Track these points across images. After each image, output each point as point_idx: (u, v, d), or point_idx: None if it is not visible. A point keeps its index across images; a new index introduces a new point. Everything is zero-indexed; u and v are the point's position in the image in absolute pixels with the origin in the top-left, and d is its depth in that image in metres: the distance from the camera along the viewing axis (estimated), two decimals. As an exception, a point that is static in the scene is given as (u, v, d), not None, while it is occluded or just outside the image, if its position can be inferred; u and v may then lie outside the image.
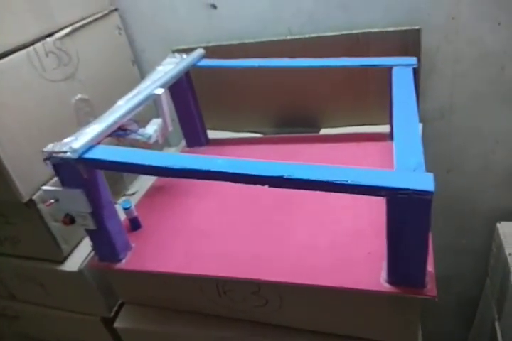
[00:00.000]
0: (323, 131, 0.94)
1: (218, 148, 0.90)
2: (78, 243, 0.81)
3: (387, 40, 0.81)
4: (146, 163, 0.53)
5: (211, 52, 0.85)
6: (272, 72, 0.87)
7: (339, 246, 0.61)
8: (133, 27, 0.98)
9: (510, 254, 0.91)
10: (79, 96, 0.81)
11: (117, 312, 0.77)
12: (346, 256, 0.60)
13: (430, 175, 0.47)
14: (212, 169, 0.50)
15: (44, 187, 0.61)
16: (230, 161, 0.52)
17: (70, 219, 0.62)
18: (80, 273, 0.76)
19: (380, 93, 0.87)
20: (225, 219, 0.71)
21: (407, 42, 0.80)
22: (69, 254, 0.79)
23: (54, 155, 0.56)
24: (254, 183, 0.49)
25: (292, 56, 0.79)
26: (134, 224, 0.71)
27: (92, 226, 0.62)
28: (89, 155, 0.56)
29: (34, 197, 0.71)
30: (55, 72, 0.76)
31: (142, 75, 1.00)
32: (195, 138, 0.91)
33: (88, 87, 0.84)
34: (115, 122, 0.62)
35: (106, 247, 0.65)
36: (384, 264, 0.55)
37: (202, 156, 0.54)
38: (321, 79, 0.89)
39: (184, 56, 0.85)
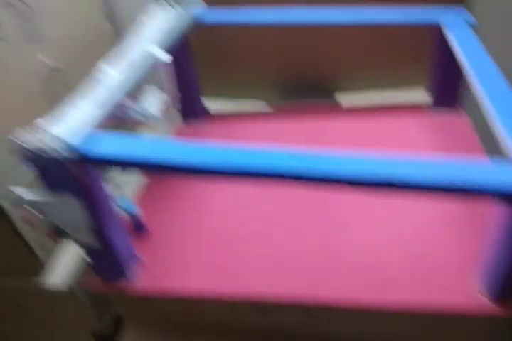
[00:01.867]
0: (340, 97, 0.80)
1: (223, 126, 0.74)
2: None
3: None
4: (200, 162, 0.38)
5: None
6: (277, 29, 0.71)
7: (410, 252, 0.50)
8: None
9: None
10: (48, 63, 0.62)
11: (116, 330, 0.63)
12: (423, 264, 0.48)
13: None
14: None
15: (19, 193, 0.44)
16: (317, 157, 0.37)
17: (58, 233, 0.46)
18: (69, 288, 0.61)
19: (411, 50, 0.74)
20: (251, 218, 0.57)
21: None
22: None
23: (34, 150, 0.39)
24: (339, 190, 0.36)
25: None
26: (138, 229, 0.56)
27: (90, 241, 0.46)
28: (93, 150, 0.40)
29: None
30: (15, 32, 0.57)
31: (117, 34, 0.81)
32: (191, 112, 0.75)
33: (58, 51, 0.64)
34: (114, 98, 0.46)
35: (108, 264, 0.50)
36: (477, 274, 0.44)
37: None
38: (336, 31, 0.73)
39: (173, 6, 0.67)
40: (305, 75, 0.79)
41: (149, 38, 0.58)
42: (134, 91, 0.51)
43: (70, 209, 0.43)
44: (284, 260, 0.51)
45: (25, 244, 0.59)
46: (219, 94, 0.82)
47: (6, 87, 0.56)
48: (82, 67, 0.68)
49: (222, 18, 0.66)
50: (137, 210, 0.55)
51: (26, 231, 0.58)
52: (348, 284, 0.47)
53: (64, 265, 0.63)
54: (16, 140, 0.40)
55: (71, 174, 0.41)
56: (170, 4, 0.67)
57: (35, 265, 0.61)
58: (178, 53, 0.66)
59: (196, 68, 0.71)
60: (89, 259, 0.50)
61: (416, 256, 0.49)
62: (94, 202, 0.43)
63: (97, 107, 0.44)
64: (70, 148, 0.39)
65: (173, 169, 0.40)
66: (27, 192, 0.44)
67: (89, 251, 0.48)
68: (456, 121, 0.67)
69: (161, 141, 0.41)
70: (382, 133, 0.66)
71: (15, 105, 0.57)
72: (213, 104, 0.79)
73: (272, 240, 0.54)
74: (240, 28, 0.73)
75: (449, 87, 0.65)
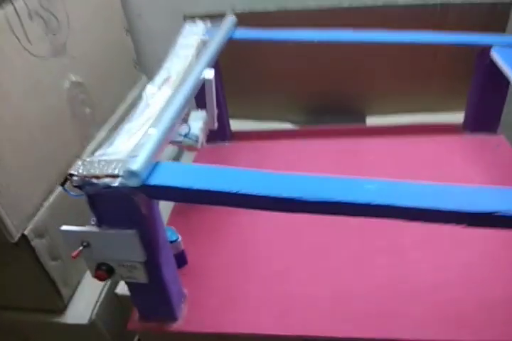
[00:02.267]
0: (371, 120, 0.78)
1: (249, 145, 0.71)
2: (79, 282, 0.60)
3: (468, 14, 0.66)
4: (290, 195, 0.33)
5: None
6: (307, 46, 0.69)
7: (473, 282, 0.47)
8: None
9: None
10: (72, 78, 0.58)
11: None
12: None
13: None
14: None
15: (67, 228, 0.40)
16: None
17: (107, 271, 0.41)
18: (92, 325, 0.56)
19: (447, 75, 0.73)
20: (301, 249, 0.54)
21: (491, 18, 0.66)
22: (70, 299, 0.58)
23: (93, 181, 0.35)
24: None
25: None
26: (180, 261, 0.51)
27: (143, 279, 0.42)
28: (157, 180, 0.36)
29: (26, 232, 0.49)
30: (43, 45, 0.52)
31: (136, 48, 0.77)
32: (218, 132, 0.71)
33: (81, 65, 0.60)
34: (173, 122, 0.42)
35: (157, 303, 0.45)
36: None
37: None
38: (370, 55, 0.72)
39: (202, 25, 0.64)
40: (335, 97, 0.77)
41: (191, 57, 0.55)
42: (184, 114, 0.48)
43: (126, 243, 0.39)
44: (338, 294, 0.48)
45: (48, 278, 0.53)
46: (244, 115, 0.79)
47: (34, 106, 0.51)
48: (100, 84, 0.64)
49: (252, 35, 0.63)
50: (180, 239, 0.51)
51: (50, 265, 0.53)
52: (416, 324, 0.44)
53: (87, 301, 0.58)
54: (73, 172, 0.35)
55: (133, 204, 0.36)
56: (204, 22, 0.64)
57: (57, 300, 0.55)
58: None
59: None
60: (135, 298, 0.45)
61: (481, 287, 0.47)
62: (152, 234, 0.39)
63: (155, 134, 0.40)
64: (135, 176, 0.35)
65: (246, 200, 0.36)
66: (76, 228, 0.39)
67: (137, 288, 0.44)
68: (496, 144, 0.66)
69: (225, 170, 0.37)
70: (418, 157, 0.64)
71: (43, 126, 0.52)
72: (238, 126, 0.75)
73: (323, 273, 0.50)
74: (268, 48, 0.71)
75: (490, 111, 0.64)
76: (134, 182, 0.34)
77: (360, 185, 0.32)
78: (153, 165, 0.36)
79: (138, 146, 0.38)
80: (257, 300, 0.48)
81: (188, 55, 0.57)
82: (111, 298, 0.58)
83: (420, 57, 0.70)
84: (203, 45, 0.60)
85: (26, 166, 0.50)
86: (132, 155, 0.37)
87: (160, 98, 0.47)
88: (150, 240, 0.39)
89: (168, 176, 0.35)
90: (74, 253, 0.39)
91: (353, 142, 0.69)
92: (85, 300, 0.57)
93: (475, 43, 0.60)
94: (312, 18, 0.68)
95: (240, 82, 0.73)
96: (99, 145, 0.42)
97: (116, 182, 0.35)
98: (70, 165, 0.37)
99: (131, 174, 0.34)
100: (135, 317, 0.47)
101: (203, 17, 0.66)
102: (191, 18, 0.68)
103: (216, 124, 0.55)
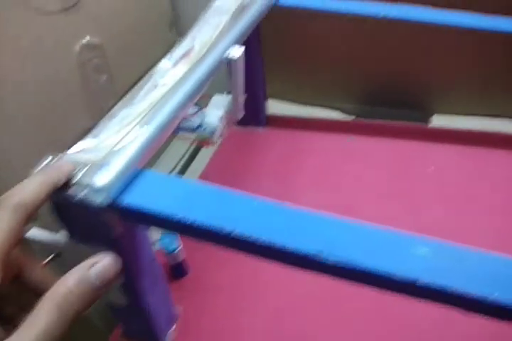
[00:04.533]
0: (437, 120, 0.65)
1: (286, 135, 0.61)
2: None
3: None
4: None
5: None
6: (369, 22, 0.56)
7: None
8: None
9: None
10: (87, 38, 0.49)
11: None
12: None
13: None
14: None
15: (35, 233, 0.32)
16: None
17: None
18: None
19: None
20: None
21: None
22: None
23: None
24: None
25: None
26: (178, 272, 0.44)
27: (120, 301, 0.34)
28: (130, 198, 0.27)
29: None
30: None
31: (174, 8, 0.67)
32: (252, 115, 0.61)
33: (99, 24, 0.51)
34: (176, 113, 0.33)
35: (140, 326, 0.38)
36: None
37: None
38: (446, 40, 0.59)
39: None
40: (395, 87, 0.65)
41: (223, 25, 0.45)
42: (198, 99, 0.38)
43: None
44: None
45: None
46: (284, 97, 0.68)
47: (39, 61, 0.43)
48: (121, 47, 0.55)
49: (303, 2, 0.52)
50: (180, 248, 0.43)
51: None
52: None
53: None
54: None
55: (104, 223, 0.28)
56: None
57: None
58: (249, 45, 0.52)
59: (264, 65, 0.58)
60: (115, 315, 0.38)
61: None
62: (131, 257, 0.31)
63: (145, 131, 0.31)
64: (100, 192, 0.26)
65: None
66: (47, 233, 0.32)
67: (119, 311, 0.37)
68: None
69: (227, 196, 0.27)
70: (490, 175, 0.52)
71: (47, 79, 0.45)
72: (276, 109, 0.65)
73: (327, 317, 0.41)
74: (321, 19, 0.59)
75: None
76: (99, 199, 0.26)
77: (409, 245, 0.23)
78: (133, 175, 0.28)
79: (121, 146, 0.30)
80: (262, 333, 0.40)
81: (221, 22, 0.47)
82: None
83: (500, 47, 0.56)
84: (242, 10, 0.49)
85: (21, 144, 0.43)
86: (108, 159, 0.28)
87: (171, 78, 0.38)
88: (129, 263, 0.31)
89: (147, 195, 0.27)
90: (43, 263, 0.32)
91: (412, 146, 0.58)
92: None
93: None
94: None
95: (284, 57, 0.62)
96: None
97: (81, 194, 0.27)
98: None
99: (96, 189, 0.26)
100: (118, 332, 0.41)
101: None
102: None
103: (242, 113, 0.45)
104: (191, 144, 0.62)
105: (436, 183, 0.52)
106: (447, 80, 0.64)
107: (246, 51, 0.42)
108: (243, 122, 0.61)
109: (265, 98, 0.61)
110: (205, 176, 0.55)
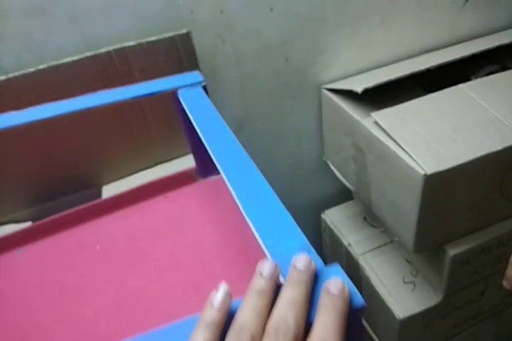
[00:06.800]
0: (107, 190, 0.67)
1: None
2: None
3: (152, 53, 0.58)
4: None
5: None
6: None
7: None
8: None
9: (349, 245, 0.86)
10: None
11: None
12: None
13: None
14: None
15: None
16: None
17: None
18: None
19: (164, 123, 0.66)
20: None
21: (178, 51, 0.60)
22: None
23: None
24: None
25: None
26: None
27: None
28: None
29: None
30: None
31: None
32: None
33: None
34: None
35: None
36: None
37: None
38: (81, 122, 0.61)
39: None
40: (61, 175, 0.64)
41: None
42: None
43: None
44: None
45: None
46: None
47: None
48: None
49: None
50: None
51: None
52: None
53: None
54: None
55: None
56: None
57: None
58: None
59: None
60: None
61: None
62: None
63: None
64: None
65: None
66: None
67: None
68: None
69: None
70: (157, 226, 0.55)
71: None
72: None
73: None
74: None
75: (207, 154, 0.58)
76: None
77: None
78: None
79: None
80: None
81: None
82: None
83: (128, 111, 0.62)
84: None
85: None
86: None
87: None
88: None
89: None
90: None
91: (82, 229, 0.57)
92: None
93: (159, 90, 0.52)
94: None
95: None
96: None
97: None
98: None
99: None
100: None
101: None
102: None
103: None
104: None
105: (101, 261, 0.52)
106: (104, 154, 0.66)
107: None
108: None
109: None
110: None
